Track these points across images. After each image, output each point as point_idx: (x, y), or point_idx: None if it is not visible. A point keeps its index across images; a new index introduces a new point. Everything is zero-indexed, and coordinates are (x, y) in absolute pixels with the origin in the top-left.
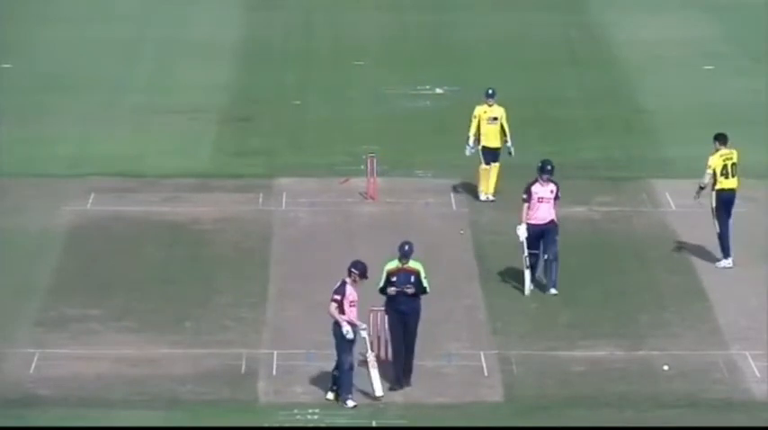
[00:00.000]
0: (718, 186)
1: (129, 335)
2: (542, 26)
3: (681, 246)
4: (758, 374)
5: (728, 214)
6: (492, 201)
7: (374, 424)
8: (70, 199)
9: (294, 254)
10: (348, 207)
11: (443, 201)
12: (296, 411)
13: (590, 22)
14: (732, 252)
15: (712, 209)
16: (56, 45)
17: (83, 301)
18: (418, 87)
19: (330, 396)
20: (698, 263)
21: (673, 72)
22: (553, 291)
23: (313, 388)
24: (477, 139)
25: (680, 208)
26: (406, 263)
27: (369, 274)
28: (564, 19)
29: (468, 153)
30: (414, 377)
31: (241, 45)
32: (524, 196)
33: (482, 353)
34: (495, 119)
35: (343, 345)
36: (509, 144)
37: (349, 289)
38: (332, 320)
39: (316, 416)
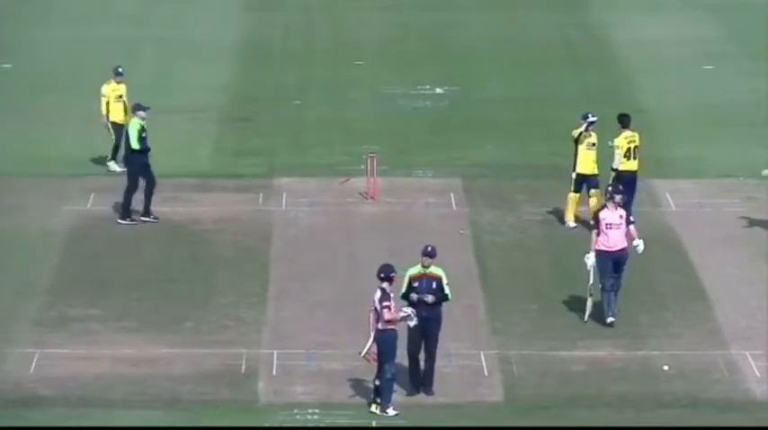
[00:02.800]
0: (619, 167)
1: (129, 336)
2: (542, 26)
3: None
4: (758, 374)
5: (629, 195)
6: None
7: (374, 424)
8: (70, 199)
9: (294, 253)
10: (348, 207)
11: (443, 201)
12: (296, 411)
13: (590, 22)
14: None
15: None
16: (56, 45)
17: (83, 301)
18: (418, 87)
19: (374, 408)
20: (698, 263)
21: (673, 72)
22: (610, 319)
23: (313, 388)
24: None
25: (680, 208)
26: (429, 267)
27: (392, 274)
28: (564, 19)
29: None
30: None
31: (241, 45)
32: (592, 223)
33: (482, 353)
34: (594, 144)
35: (388, 353)
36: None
37: (391, 294)
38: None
39: (316, 416)
